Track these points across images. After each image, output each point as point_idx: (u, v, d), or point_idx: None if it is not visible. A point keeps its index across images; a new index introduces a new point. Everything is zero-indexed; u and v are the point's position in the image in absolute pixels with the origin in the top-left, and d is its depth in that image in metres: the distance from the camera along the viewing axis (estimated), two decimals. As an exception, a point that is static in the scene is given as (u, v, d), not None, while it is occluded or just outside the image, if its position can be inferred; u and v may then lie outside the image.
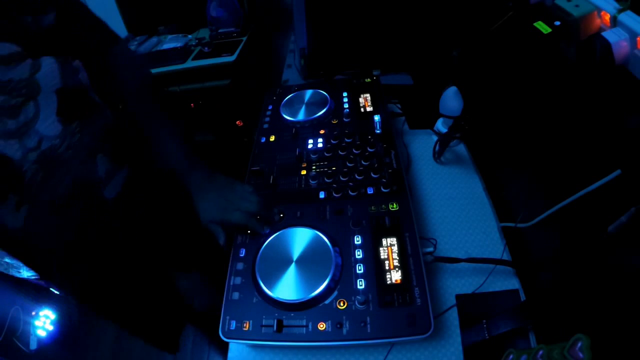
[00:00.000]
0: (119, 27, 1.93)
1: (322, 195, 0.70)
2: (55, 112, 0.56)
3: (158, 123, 0.68)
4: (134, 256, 0.79)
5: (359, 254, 0.60)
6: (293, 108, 0.92)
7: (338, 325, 0.53)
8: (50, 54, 0.55)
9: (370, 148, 0.77)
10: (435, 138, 0.88)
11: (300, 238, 0.63)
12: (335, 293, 0.56)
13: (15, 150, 0.54)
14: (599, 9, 0.54)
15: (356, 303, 0.54)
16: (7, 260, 1.47)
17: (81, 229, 0.65)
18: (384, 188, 0.69)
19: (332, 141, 0.81)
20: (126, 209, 0.71)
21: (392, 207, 0.65)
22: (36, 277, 1.50)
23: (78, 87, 0.60)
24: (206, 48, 1.74)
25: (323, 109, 0.88)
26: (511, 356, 0.48)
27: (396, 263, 0.58)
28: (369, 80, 0.98)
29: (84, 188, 0.61)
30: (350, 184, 0.71)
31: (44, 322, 1.61)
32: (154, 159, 0.76)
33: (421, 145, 0.91)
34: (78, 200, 0.61)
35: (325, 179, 0.73)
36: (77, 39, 0.61)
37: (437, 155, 0.85)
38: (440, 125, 0.90)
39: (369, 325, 0.52)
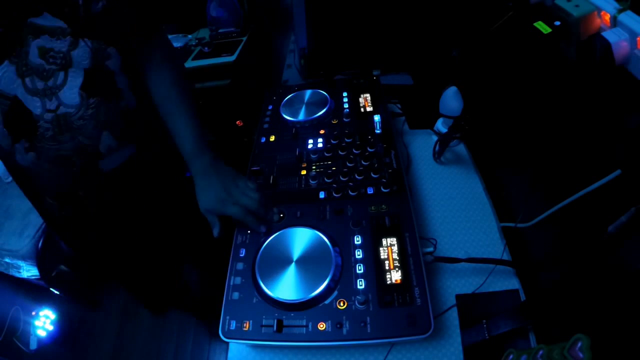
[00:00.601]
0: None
1: (322, 195, 0.70)
2: (79, 86, 0.64)
3: (177, 102, 0.73)
4: (129, 228, 0.86)
5: (359, 254, 0.60)
6: (293, 108, 0.92)
7: (338, 325, 0.53)
8: (89, 37, 0.63)
9: (370, 148, 0.77)
10: (435, 138, 0.88)
11: (300, 238, 0.63)
12: (335, 293, 0.56)
13: (36, 106, 0.62)
14: (599, 9, 0.54)
15: (356, 303, 0.54)
16: (7, 260, 1.47)
17: (77, 187, 0.72)
18: (384, 188, 0.69)
19: (332, 141, 0.81)
20: (121, 184, 0.76)
21: (392, 207, 0.65)
22: (36, 277, 1.50)
23: (105, 71, 0.67)
24: (206, 48, 1.74)
25: (323, 109, 0.88)
26: (511, 356, 0.48)
27: (396, 263, 0.58)
28: (369, 80, 0.98)
29: (82, 155, 0.68)
30: (350, 184, 0.71)
31: (44, 322, 1.61)
32: (167, 140, 0.80)
33: (421, 145, 0.91)
34: (76, 163, 0.68)
35: (325, 179, 0.73)
36: (118, 27, 0.68)
37: (437, 155, 0.85)
38: (440, 125, 0.90)
39: (369, 325, 0.52)
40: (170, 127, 0.72)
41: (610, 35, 0.50)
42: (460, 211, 0.76)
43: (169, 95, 0.73)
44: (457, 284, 0.65)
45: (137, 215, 0.84)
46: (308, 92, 0.95)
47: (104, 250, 0.92)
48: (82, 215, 0.78)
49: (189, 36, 1.89)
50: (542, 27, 0.60)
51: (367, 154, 0.76)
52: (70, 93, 0.64)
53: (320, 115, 0.88)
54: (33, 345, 1.58)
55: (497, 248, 0.69)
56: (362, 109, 0.89)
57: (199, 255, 1.13)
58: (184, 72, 0.79)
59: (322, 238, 0.61)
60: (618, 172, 0.47)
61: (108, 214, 0.80)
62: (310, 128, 0.86)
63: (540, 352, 0.43)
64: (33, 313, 1.62)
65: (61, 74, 0.63)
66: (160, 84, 0.74)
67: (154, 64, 0.74)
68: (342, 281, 0.57)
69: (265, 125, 0.90)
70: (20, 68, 0.60)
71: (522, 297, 0.63)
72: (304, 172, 0.76)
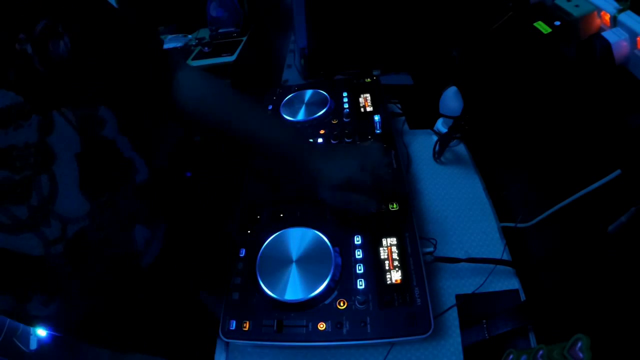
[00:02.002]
0: (119, 27, 1.93)
1: (322, 195, 0.70)
2: (78, 185, 0.42)
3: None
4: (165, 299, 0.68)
5: (359, 254, 0.60)
6: (293, 108, 0.92)
7: (338, 325, 0.53)
8: (65, 103, 0.39)
9: (370, 148, 0.77)
10: (435, 138, 0.88)
11: (300, 238, 0.63)
12: (335, 293, 0.56)
13: (32, 245, 0.39)
14: (599, 9, 0.54)
15: (356, 303, 0.54)
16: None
17: (114, 303, 0.55)
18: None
19: (332, 141, 0.81)
20: (162, 271, 0.60)
21: (392, 207, 0.65)
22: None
23: (103, 145, 0.45)
24: (206, 48, 1.74)
25: (323, 109, 0.88)
26: (511, 356, 0.48)
27: (396, 263, 0.58)
28: (368, 80, 0.98)
29: (120, 267, 0.50)
30: (350, 184, 0.71)
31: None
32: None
33: (421, 145, 0.91)
34: (113, 281, 0.50)
35: (325, 179, 0.72)
36: (108, 73, 0.45)
37: (437, 155, 0.85)
38: (440, 125, 0.90)
39: (369, 325, 0.52)
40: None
41: (610, 35, 0.50)
42: (460, 211, 0.76)
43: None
44: (457, 284, 0.65)
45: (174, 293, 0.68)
46: (308, 92, 0.95)
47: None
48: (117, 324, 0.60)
49: (189, 36, 1.89)
50: (542, 27, 0.60)
51: (367, 154, 0.76)
52: (70, 200, 0.41)
53: (320, 115, 0.87)
54: (33, 345, 1.58)
55: (497, 248, 0.69)
56: (362, 109, 0.89)
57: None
58: None
59: (322, 238, 0.61)
60: (618, 172, 0.47)
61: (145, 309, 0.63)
62: (310, 128, 0.86)
63: (540, 352, 0.43)
64: (33, 313, 1.61)
65: (44, 180, 0.38)
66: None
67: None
68: (342, 281, 0.57)
69: (265, 125, 0.90)
70: None
71: (522, 297, 0.63)
72: (304, 172, 0.76)
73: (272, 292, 0.56)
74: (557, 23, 0.58)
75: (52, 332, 0.63)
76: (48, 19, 0.37)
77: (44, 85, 0.37)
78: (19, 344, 1.58)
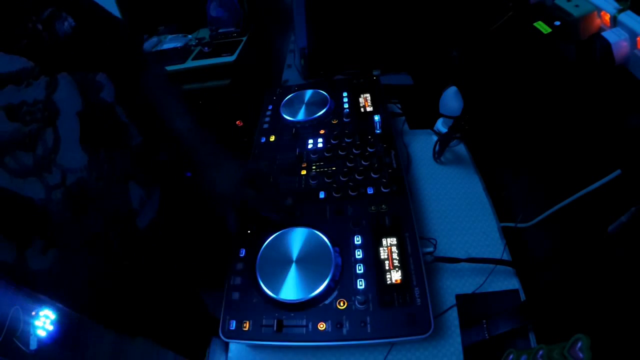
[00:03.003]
0: (119, 27, 1.93)
1: (322, 195, 0.70)
2: (79, 139, 0.48)
3: (173, 111, 0.62)
4: (163, 277, 0.73)
5: (359, 254, 0.60)
6: (293, 108, 0.92)
7: (338, 325, 0.53)
8: (68, 69, 0.47)
9: (370, 148, 0.77)
10: (435, 138, 0.88)
11: (300, 238, 0.63)
12: (335, 293, 0.56)
13: (36, 190, 0.45)
14: (599, 9, 0.54)
15: (356, 303, 0.54)
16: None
17: (112, 264, 0.59)
18: (384, 188, 0.69)
19: (332, 141, 0.81)
20: (159, 236, 0.65)
21: (392, 207, 0.65)
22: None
23: (102, 107, 0.52)
24: (206, 48, 1.74)
25: (323, 109, 0.88)
26: (511, 356, 0.48)
27: (396, 263, 0.58)
28: (369, 80, 0.98)
29: (117, 223, 0.54)
30: (350, 184, 0.71)
31: (44, 322, 1.60)
32: (187, 170, 0.72)
33: (421, 145, 0.91)
34: (110, 237, 0.54)
35: (325, 179, 0.73)
36: (102, 48, 0.52)
37: (437, 155, 0.85)
38: (440, 125, 0.90)
39: (369, 325, 0.52)
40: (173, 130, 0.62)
41: (610, 35, 0.50)
42: (460, 211, 0.76)
43: (166, 103, 0.63)
44: (457, 284, 0.65)
45: (173, 265, 0.73)
46: (308, 92, 0.95)
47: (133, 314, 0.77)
48: (115, 287, 0.63)
49: (189, 36, 1.89)
50: (542, 27, 0.60)
51: (367, 154, 0.76)
52: (71, 153, 0.47)
53: (320, 115, 0.88)
54: (33, 345, 1.58)
55: (497, 248, 0.69)
56: (362, 109, 0.89)
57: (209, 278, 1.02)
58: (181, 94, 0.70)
59: (322, 238, 0.61)
60: (618, 172, 0.47)
61: (144, 275, 0.67)
62: (310, 128, 0.86)
63: (540, 352, 0.43)
64: (33, 313, 1.61)
65: (49, 132, 0.45)
66: (157, 95, 0.63)
67: (156, 99, 0.62)
68: (342, 281, 0.57)
69: (265, 125, 0.90)
70: None
71: (522, 297, 0.63)
72: (304, 172, 0.76)
73: (272, 292, 0.56)
74: (557, 23, 0.58)
75: (52, 302, 0.66)
76: (55, 7, 0.46)
77: (51, 54, 0.45)
78: (19, 344, 1.58)
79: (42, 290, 0.57)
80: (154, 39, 1.88)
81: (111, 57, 0.54)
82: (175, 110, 0.62)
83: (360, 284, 0.56)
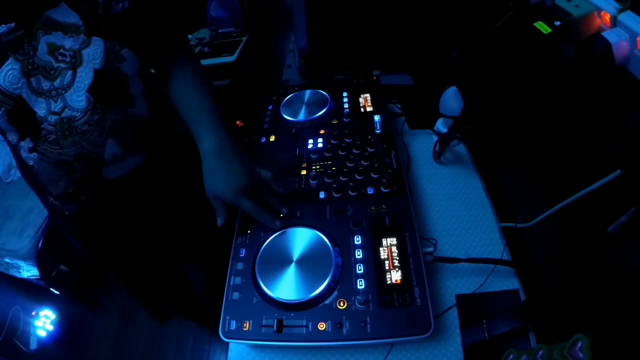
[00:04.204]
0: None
1: (322, 195, 0.70)
2: (87, 88, 0.60)
3: (197, 87, 0.70)
4: (137, 234, 0.85)
5: (359, 254, 0.60)
6: (293, 108, 0.92)
7: (338, 325, 0.53)
8: (104, 36, 0.59)
9: (370, 148, 0.77)
10: (435, 138, 0.88)
11: (300, 238, 0.63)
12: (335, 293, 0.56)
13: (41, 107, 0.59)
14: (599, 9, 0.54)
15: (356, 303, 0.54)
16: (7, 260, 1.47)
17: (78, 191, 0.70)
18: (384, 188, 0.69)
19: (332, 141, 0.81)
20: (125, 191, 0.73)
21: (392, 207, 0.65)
22: (36, 277, 1.50)
23: (116, 75, 0.63)
24: (206, 48, 1.74)
25: (323, 109, 0.88)
26: (511, 356, 0.48)
27: (396, 263, 0.58)
28: (369, 80, 0.98)
29: (84, 162, 0.65)
30: (350, 184, 0.71)
31: (44, 322, 1.61)
32: (177, 151, 0.79)
33: (421, 145, 0.91)
34: (78, 168, 0.65)
35: (325, 179, 0.73)
36: (139, 32, 0.64)
37: (437, 155, 0.85)
38: (440, 125, 0.90)
39: (369, 325, 0.52)
40: (187, 111, 0.68)
41: (610, 35, 0.50)
42: (460, 211, 0.76)
43: (191, 81, 0.71)
44: (457, 284, 0.65)
45: (141, 219, 0.83)
46: (308, 92, 0.95)
47: (106, 250, 0.90)
48: (85, 215, 0.76)
49: (189, 36, 1.89)
50: (542, 27, 0.60)
51: (367, 154, 0.76)
52: (77, 95, 0.60)
53: (320, 115, 0.88)
54: (33, 345, 1.58)
55: (497, 248, 0.69)
56: (362, 109, 0.89)
57: (200, 255, 1.12)
58: (205, 70, 0.76)
59: (322, 238, 0.61)
60: (618, 172, 0.47)
61: (110, 218, 0.78)
62: (310, 128, 0.86)
63: (540, 352, 0.43)
64: (33, 313, 1.62)
65: (69, 73, 0.59)
66: (183, 75, 0.71)
67: (177, 62, 0.72)
68: (342, 281, 0.57)
69: (265, 125, 0.90)
70: (25, 66, 0.56)
71: (522, 297, 0.63)
72: (304, 172, 0.76)
73: (272, 292, 0.56)
74: (557, 23, 0.58)
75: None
76: None
77: (98, 22, 0.59)
78: (19, 344, 1.58)
79: (28, 180, 0.71)
80: (154, 39, 1.88)
81: (144, 39, 0.65)
82: (195, 102, 0.69)
83: (360, 284, 0.56)
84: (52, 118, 0.60)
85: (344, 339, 0.52)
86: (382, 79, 0.99)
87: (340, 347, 0.58)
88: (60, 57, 0.58)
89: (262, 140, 0.86)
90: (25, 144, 0.63)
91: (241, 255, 0.63)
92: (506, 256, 0.68)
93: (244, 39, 1.80)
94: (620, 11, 0.51)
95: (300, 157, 0.79)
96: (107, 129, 0.64)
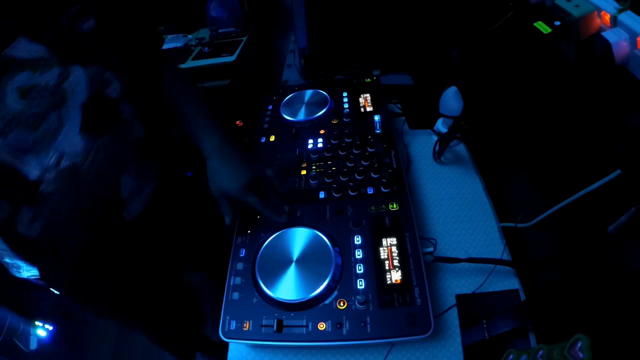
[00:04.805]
0: (119, 27, 1.93)
1: (322, 195, 0.70)
2: (79, 128, 0.51)
3: (191, 93, 0.66)
4: (148, 265, 0.76)
5: (359, 254, 0.60)
6: (293, 108, 0.92)
7: (338, 325, 0.53)
8: (81, 62, 0.50)
9: (370, 148, 0.77)
10: (435, 138, 0.88)
11: (300, 238, 0.63)
12: (335, 293, 0.56)
13: (32, 167, 0.48)
14: (599, 9, 0.54)
15: (356, 303, 0.54)
16: (7, 260, 1.47)
17: (96, 245, 0.61)
18: (384, 188, 0.69)
19: (332, 141, 0.81)
20: (145, 230, 0.67)
21: (392, 207, 0.65)
22: (36, 277, 1.50)
23: (106, 101, 0.55)
24: (206, 48, 1.74)
25: (323, 109, 0.88)
26: (511, 356, 0.48)
27: (396, 263, 0.58)
28: (369, 80, 0.98)
29: (103, 209, 0.57)
30: (350, 184, 0.71)
31: (44, 322, 1.61)
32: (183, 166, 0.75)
33: (421, 145, 0.91)
34: (96, 220, 0.57)
35: (325, 179, 0.73)
36: (117, 50, 0.56)
37: (437, 155, 0.85)
38: (440, 125, 0.90)
39: (369, 325, 0.52)
40: (185, 118, 0.64)
41: (610, 35, 0.50)
42: (460, 211, 0.76)
43: (183, 89, 0.66)
44: (457, 284, 0.65)
45: (158, 254, 0.76)
46: (308, 92, 0.95)
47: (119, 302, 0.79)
48: (99, 271, 0.67)
49: (189, 36, 1.89)
50: (542, 27, 0.60)
51: (367, 154, 0.76)
52: (71, 138, 0.50)
53: (320, 115, 0.88)
54: (33, 345, 1.58)
55: (497, 248, 0.69)
56: (362, 109, 0.89)
57: (199, 259, 1.09)
58: (185, 71, 0.73)
59: (322, 238, 0.61)
60: (618, 172, 0.47)
61: (129, 262, 0.70)
62: (310, 128, 0.86)
63: (540, 352, 0.43)
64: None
65: (53, 116, 0.48)
66: (175, 82, 0.66)
67: (166, 72, 0.66)
68: (342, 281, 0.57)
69: (265, 125, 0.90)
70: None
71: (522, 297, 0.63)
72: (304, 172, 0.76)
73: (272, 292, 0.56)
74: (557, 23, 0.58)
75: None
76: (81, 5, 0.50)
77: (69, 48, 0.49)
78: (19, 344, 1.58)
79: (28, 256, 0.60)
80: (154, 39, 1.88)
81: (124, 57, 0.57)
82: (190, 109, 0.64)
83: (360, 284, 0.56)
84: (50, 175, 0.50)
85: (344, 339, 0.52)
86: (382, 79, 0.99)
87: (340, 347, 0.58)
88: (37, 101, 0.47)
89: (262, 140, 0.86)
90: (24, 216, 0.51)
91: (241, 255, 0.63)
92: (506, 256, 0.68)
93: (244, 39, 1.80)
94: (620, 11, 0.51)
95: (300, 157, 0.79)
96: (118, 164, 0.57)
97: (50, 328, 1.61)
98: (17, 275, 0.67)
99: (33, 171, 0.49)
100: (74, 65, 0.49)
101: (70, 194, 0.52)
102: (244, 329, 0.55)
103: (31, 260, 0.61)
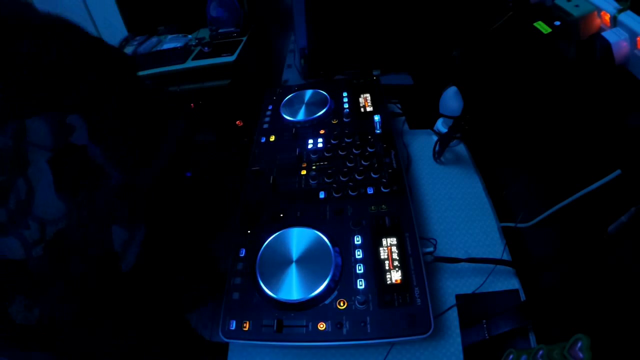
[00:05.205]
0: (119, 27, 1.93)
1: (322, 195, 0.70)
2: (54, 188, 0.44)
3: None
4: (150, 315, 0.70)
5: (359, 254, 0.60)
6: (293, 108, 0.92)
7: (338, 325, 0.53)
8: (39, 111, 0.42)
9: (370, 148, 0.77)
10: (435, 138, 0.88)
11: (300, 238, 0.63)
12: (335, 293, 0.56)
13: (14, 248, 0.42)
14: (599, 9, 0.54)
15: (356, 303, 0.54)
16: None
17: (97, 307, 0.55)
18: (384, 188, 0.69)
19: (332, 141, 0.81)
20: (142, 278, 0.62)
21: (392, 207, 0.65)
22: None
23: (73, 151, 0.48)
24: (206, 48, 1.74)
25: (323, 109, 0.88)
26: (511, 356, 0.48)
27: (396, 263, 0.58)
28: (369, 80, 0.98)
29: (101, 266, 0.51)
30: (350, 184, 0.71)
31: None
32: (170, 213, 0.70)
33: (421, 145, 0.91)
34: (94, 285, 0.51)
35: (325, 179, 0.73)
36: (79, 82, 0.47)
37: (437, 155, 0.85)
38: (440, 125, 0.90)
39: (369, 325, 0.52)
40: None
41: (610, 35, 0.50)
42: (460, 211, 0.76)
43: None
44: (457, 284, 0.65)
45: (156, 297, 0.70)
46: (308, 92, 0.95)
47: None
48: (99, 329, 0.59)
49: (189, 36, 1.88)
50: (542, 27, 0.60)
51: (367, 154, 0.76)
52: (48, 202, 0.44)
53: (320, 115, 0.87)
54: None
55: (497, 248, 0.69)
56: (362, 109, 0.89)
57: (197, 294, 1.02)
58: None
59: (322, 238, 0.61)
60: (618, 172, 0.47)
61: (128, 313, 0.63)
62: (310, 128, 0.86)
63: (540, 352, 0.43)
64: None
65: (20, 183, 0.41)
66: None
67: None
68: (342, 281, 0.57)
69: (265, 125, 0.90)
70: None
71: (522, 297, 0.63)
72: (304, 172, 0.76)
73: (272, 292, 0.56)
74: (557, 23, 0.58)
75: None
76: (31, 38, 0.40)
77: (21, 94, 0.39)
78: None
79: (30, 345, 0.50)
80: (154, 39, 1.88)
81: (87, 94, 0.49)
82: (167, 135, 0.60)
83: (360, 284, 0.56)
84: (37, 250, 0.43)
85: (344, 339, 0.52)
86: (382, 79, 0.99)
87: (340, 347, 0.58)
88: None
89: (262, 140, 0.86)
90: (19, 304, 0.44)
91: (241, 255, 0.63)
92: (506, 256, 0.68)
93: (244, 39, 1.80)
94: (620, 11, 0.51)
95: (300, 157, 0.79)
96: (105, 217, 0.51)
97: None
98: None
99: (15, 252, 0.41)
100: (31, 117, 0.41)
101: (61, 263, 0.46)
102: (244, 329, 0.55)
103: (36, 349, 0.53)
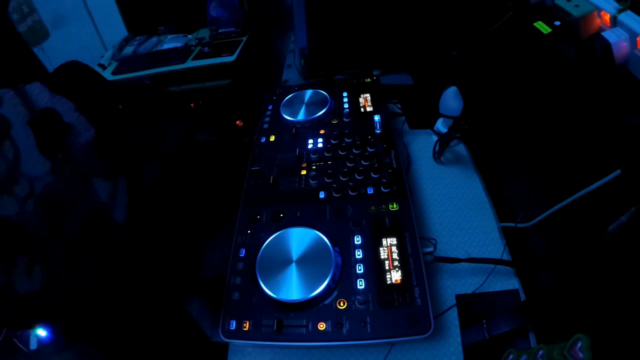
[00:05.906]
0: (119, 27, 1.93)
1: (322, 195, 0.70)
2: (37, 147, 0.49)
3: None
4: (146, 279, 0.70)
5: (359, 254, 0.60)
6: (293, 108, 0.92)
7: (338, 325, 0.53)
8: (6, 85, 0.48)
9: (370, 148, 0.77)
10: (435, 138, 0.88)
11: (300, 238, 0.63)
12: (335, 293, 0.56)
13: (9, 205, 0.45)
14: (599, 9, 0.54)
15: (356, 303, 0.54)
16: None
17: (100, 268, 0.57)
18: (384, 188, 0.69)
19: (332, 141, 0.81)
20: (136, 231, 0.64)
21: (392, 207, 0.65)
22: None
23: (47, 111, 0.52)
24: (206, 48, 1.74)
25: (323, 109, 0.88)
26: (511, 356, 0.48)
27: (396, 263, 0.58)
28: (369, 80, 0.98)
29: (94, 220, 0.54)
30: (350, 184, 0.71)
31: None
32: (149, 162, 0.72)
33: (421, 145, 0.91)
34: (92, 238, 0.54)
35: (325, 179, 0.73)
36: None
37: (437, 155, 0.85)
38: (440, 125, 0.90)
39: (369, 325, 0.52)
40: None
41: (610, 35, 0.50)
42: (460, 211, 0.76)
43: None
44: (457, 284, 0.65)
45: (154, 263, 0.71)
46: (308, 92, 0.95)
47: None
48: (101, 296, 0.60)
49: (189, 36, 1.88)
50: (542, 27, 0.60)
51: (367, 154, 0.76)
52: (33, 161, 0.48)
53: (320, 115, 0.87)
54: (33, 345, 1.58)
55: (497, 248, 0.69)
56: (362, 109, 0.89)
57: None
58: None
59: (322, 238, 0.61)
60: (618, 172, 0.47)
61: (128, 277, 0.64)
62: (310, 128, 0.86)
63: (540, 352, 0.43)
64: (33, 313, 1.61)
65: (7, 145, 0.46)
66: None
67: None
68: (342, 281, 0.57)
69: (265, 125, 0.90)
70: None
71: (522, 297, 0.63)
72: (304, 172, 0.76)
73: (272, 292, 0.56)
74: (557, 23, 0.58)
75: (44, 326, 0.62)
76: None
77: None
78: (19, 344, 1.58)
79: (32, 315, 0.55)
80: (154, 39, 1.88)
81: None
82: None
83: (360, 284, 0.56)
84: (29, 205, 0.46)
85: (344, 339, 0.52)
86: (382, 79, 0.99)
87: (340, 347, 0.58)
88: None
89: (262, 140, 0.86)
90: (20, 267, 0.46)
91: (241, 255, 0.63)
92: (506, 256, 0.68)
93: (244, 39, 1.80)
94: (620, 11, 0.51)
95: (300, 157, 0.79)
96: (86, 171, 0.55)
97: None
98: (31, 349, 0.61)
99: (12, 209, 0.44)
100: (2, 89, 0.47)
101: (56, 218, 0.48)
102: (244, 329, 0.55)
103: (38, 320, 0.57)
